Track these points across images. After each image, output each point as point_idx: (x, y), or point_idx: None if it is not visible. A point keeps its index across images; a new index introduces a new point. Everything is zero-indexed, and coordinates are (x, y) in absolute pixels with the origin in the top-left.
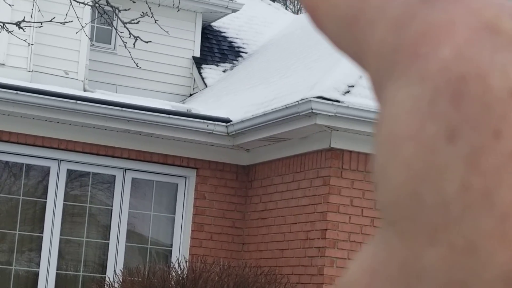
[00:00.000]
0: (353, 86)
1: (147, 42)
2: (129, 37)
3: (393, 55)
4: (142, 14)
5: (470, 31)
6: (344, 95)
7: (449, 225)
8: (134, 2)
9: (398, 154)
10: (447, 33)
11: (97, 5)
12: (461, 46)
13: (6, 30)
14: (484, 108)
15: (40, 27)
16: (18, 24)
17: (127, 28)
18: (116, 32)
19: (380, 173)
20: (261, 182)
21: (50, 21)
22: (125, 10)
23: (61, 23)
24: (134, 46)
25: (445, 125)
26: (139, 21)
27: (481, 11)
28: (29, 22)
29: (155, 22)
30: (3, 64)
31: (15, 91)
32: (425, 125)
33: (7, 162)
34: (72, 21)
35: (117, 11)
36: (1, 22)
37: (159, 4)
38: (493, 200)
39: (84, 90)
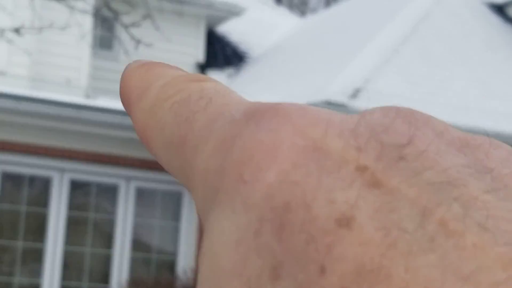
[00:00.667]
0: (359, 90)
1: (149, 45)
2: (131, 40)
3: (217, 180)
4: (144, 16)
5: (296, 153)
6: (351, 99)
7: None
8: (132, 7)
9: None
10: (272, 156)
11: (98, 12)
12: (286, 170)
13: (5, 39)
14: (308, 241)
15: (38, 33)
16: (17, 30)
17: (129, 32)
18: (117, 39)
19: None
20: None
21: (49, 27)
22: (126, 14)
23: (60, 29)
24: (136, 49)
25: (269, 261)
26: (140, 24)
27: (308, 130)
28: (28, 28)
29: (156, 29)
30: (4, 73)
31: (16, 100)
32: (249, 260)
33: (9, 172)
34: (70, 26)
35: (118, 16)
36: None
37: (162, 10)
38: None
39: (87, 97)
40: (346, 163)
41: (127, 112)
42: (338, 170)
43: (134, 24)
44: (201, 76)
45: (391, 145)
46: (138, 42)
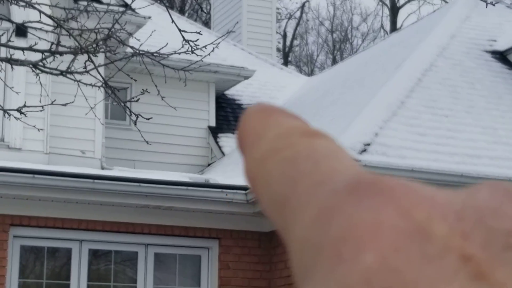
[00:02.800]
0: (369, 145)
1: (148, 119)
2: (130, 115)
3: (314, 253)
4: (142, 91)
5: (397, 235)
6: (361, 154)
7: None
8: (135, 80)
9: None
10: (372, 236)
11: (104, 87)
12: (386, 254)
13: (8, 115)
14: None
15: (41, 111)
16: (19, 110)
17: (127, 107)
18: (125, 111)
19: None
20: (285, 247)
21: (52, 104)
22: (124, 88)
23: (62, 104)
24: (135, 125)
25: None
26: (138, 99)
27: (412, 210)
28: (30, 106)
29: (162, 99)
30: (20, 148)
31: (32, 175)
32: None
33: (28, 247)
34: (73, 101)
35: (127, 90)
36: (2, 109)
37: (165, 81)
38: None
39: (102, 168)
40: (449, 251)
41: (239, 150)
42: (441, 258)
43: (131, 100)
44: (314, 130)
45: (498, 231)
46: (137, 116)
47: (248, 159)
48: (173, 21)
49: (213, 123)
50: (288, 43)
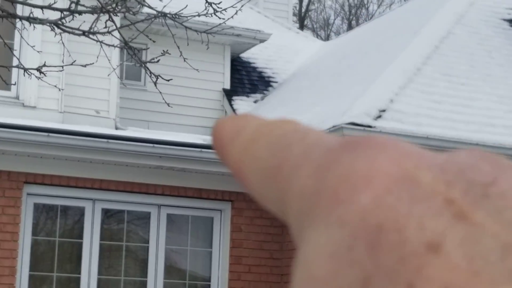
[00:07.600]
0: (384, 111)
1: (168, 80)
2: (150, 76)
3: (314, 198)
4: (163, 52)
5: (389, 180)
6: (375, 120)
7: None
8: (154, 42)
9: None
10: (367, 181)
11: (125, 47)
12: (379, 195)
13: (28, 74)
14: (399, 260)
15: (61, 71)
16: (39, 69)
17: (147, 68)
18: (146, 72)
19: None
20: None
21: (72, 64)
22: (144, 49)
23: (83, 65)
24: (155, 86)
25: (361, 273)
26: (159, 60)
27: (402, 161)
28: (50, 66)
29: (185, 60)
30: (35, 107)
31: (46, 133)
32: (342, 270)
33: (42, 205)
34: (93, 62)
35: (137, 54)
36: (23, 68)
37: (188, 43)
38: None
39: (116, 128)
40: (435, 195)
41: (219, 156)
42: (427, 200)
43: (152, 61)
44: (290, 119)
45: (476, 182)
46: (157, 77)
47: (231, 151)
48: None
49: (227, 85)
50: (304, 7)
